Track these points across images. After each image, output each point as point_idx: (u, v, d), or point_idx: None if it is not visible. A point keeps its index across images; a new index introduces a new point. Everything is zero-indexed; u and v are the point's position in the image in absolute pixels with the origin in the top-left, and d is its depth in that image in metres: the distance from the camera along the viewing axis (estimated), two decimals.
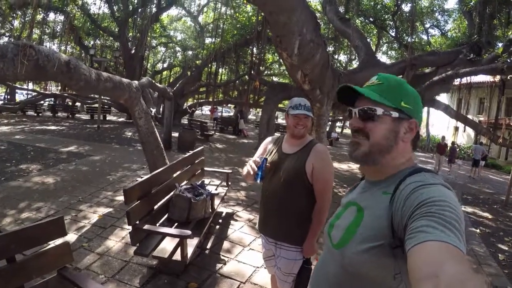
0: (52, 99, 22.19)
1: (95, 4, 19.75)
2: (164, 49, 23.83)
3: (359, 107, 0.95)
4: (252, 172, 1.93)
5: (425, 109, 16.13)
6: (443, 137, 14.12)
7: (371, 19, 13.72)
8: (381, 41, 16.33)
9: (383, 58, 19.30)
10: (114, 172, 7.18)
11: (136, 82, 7.12)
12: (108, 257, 3.44)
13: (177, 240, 2.99)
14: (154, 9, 16.08)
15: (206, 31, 19.90)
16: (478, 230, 6.09)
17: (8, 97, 23.58)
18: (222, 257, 3.66)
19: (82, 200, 5.16)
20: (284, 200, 2.00)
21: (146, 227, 3.01)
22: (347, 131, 27.84)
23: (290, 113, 2.05)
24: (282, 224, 2.02)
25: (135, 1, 16.70)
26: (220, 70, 19.66)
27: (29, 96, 21.45)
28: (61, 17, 17.76)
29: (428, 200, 0.73)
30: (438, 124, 27.37)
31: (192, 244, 3.13)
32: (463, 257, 0.61)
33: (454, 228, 0.66)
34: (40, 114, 19.52)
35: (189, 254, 2.97)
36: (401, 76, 9.14)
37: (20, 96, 24.67)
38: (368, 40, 16.90)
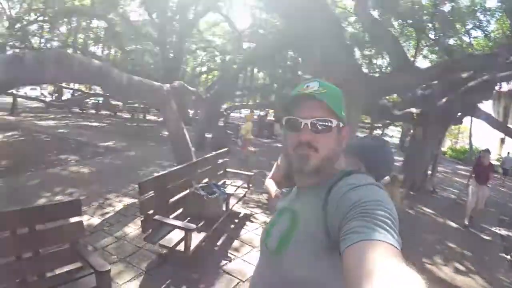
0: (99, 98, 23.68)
1: (135, 11, 20.99)
2: (204, 53, 24.62)
3: (314, 118, 0.90)
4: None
5: (467, 118, 15.00)
6: (486, 152, 7.52)
7: (409, 21, 13.11)
8: (420, 45, 15.52)
9: (424, 62, 18.28)
10: (145, 168, 7.65)
11: (168, 85, 7.57)
12: (124, 242, 3.79)
13: (184, 232, 3.23)
14: (191, 15, 16.82)
15: (244, 36, 20.38)
16: (509, 257, 5.73)
17: (56, 95, 25.58)
18: (229, 255, 3.82)
19: (111, 190, 5.61)
20: None
21: (156, 217, 3.29)
22: (387, 139, 26.66)
23: None
24: None
25: (174, 8, 17.54)
26: (258, 74, 20.11)
27: (76, 94, 23.07)
28: (103, 24, 19.03)
29: (360, 201, 0.74)
30: (482, 134, 25.41)
31: (197, 238, 3.36)
32: (397, 253, 0.61)
33: (387, 225, 0.67)
34: (84, 111, 20.98)
35: (192, 247, 3.19)
36: (435, 81, 8.77)
37: (67, 95, 26.52)
38: (408, 43, 16.28)
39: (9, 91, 15.88)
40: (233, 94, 20.54)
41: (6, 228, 2.12)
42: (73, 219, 2.56)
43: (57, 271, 2.29)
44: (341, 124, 0.92)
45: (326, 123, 0.89)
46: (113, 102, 22.44)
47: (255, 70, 21.03)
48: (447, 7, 12.51)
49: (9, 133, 10.40)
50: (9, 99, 16.80)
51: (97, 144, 9.93)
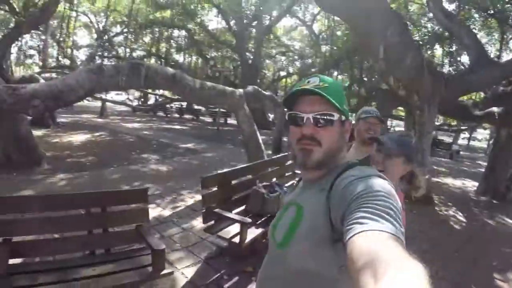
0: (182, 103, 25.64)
1: (212, 20, 22.37)
2: (283, 57, 24.98)
3: (315, 113, 0.92)
4: None
5: None
6: None
7: (489, 12, 11.44)
8: (505, 37, 13.39)
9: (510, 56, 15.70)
10: (220, 168, 8.01)
11: (241, 90, 7.94)
12: (189, 233, 4.05)
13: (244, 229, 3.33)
14: (267, 21, 17.25)
15: (322, 39, 20.18)
16: None
17: (142, 99, 28.48)
18: None
19: (184, 187, 6.05)
20: None
21: (216, 210, 3.45)
22: (475, 143, 23.66)
23: (362, 116, 2.20)
24: None
25: (250, 15, 18.20)
26: (338, 77, 19.66)
27: (160, 99, 25.37)
28: (184, 33, 20.58)
29: (363, 192, 0.75)
30: None
31: (254, 232, 3.43)
32: (399, 243, 0.62)
33: (389, 215, 0.67)
34: (168, 115, 22.91)
35: (247, 240, 3.26)
36: None
37: (152, 99, 29.21)
38: (492, 36, 14.29)
39: (98, 96, 18.34)
40: None
41: (82, 207, 2.48)
42: (140, 205, 2.85)
43: (121, 248, 2.59)
44: (343, 118, 0.94)
45: (328, 117, 0.91)
46: (196, 107, 23.95)
47: (335, 73, 20.58)
48: None
49: (97, 133, 11.88)
50: (99, 103, 19.29)
51: (177, 146, 10.76)
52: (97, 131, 12.29)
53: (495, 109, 8.32)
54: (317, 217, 0.86)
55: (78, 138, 10.56)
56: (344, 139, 0.97)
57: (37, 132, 9.85)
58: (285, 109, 1.00)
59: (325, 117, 0.91)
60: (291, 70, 25.65)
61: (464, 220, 6.08)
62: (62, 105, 3.93)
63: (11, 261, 2.10)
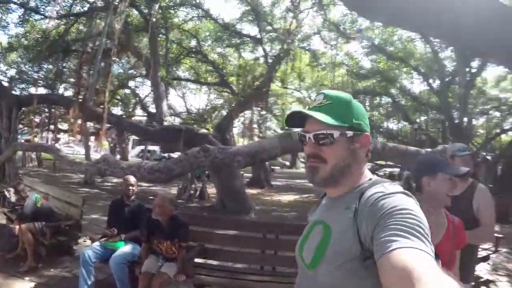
0: None
1: (412, 83, 21.59)
2: (498, 113, 21.05)
3: (314, 132, 0.93)
4: None
5: None
6: None
7: None
8: None
9: None
10: None
11: (429, 149, 7.79)
12: None
13: None
14: (469, 74, 15.40)
15: None
16: None
17: None
18: None
19: None
20: None
21: None
22: None
23: (459, 154, 2.14)
24: None
25: (450, 71, 16.91)
26: None
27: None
28: (389, 99, 20.72)
29: (390, 210, 0.75)
30: None
31: None
32: (432, 260, 0.63)
33: (419, 233, 0.68)
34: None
35: None
36: None
37: None
38: None
39: None
40: None
41: (261, 232, 3.35)
42: None
43: (287, 269, 3.22)
44: (350, 133, 0.93)
45: (326, 135, 0.91)
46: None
47: None
48: None
49: (305, 195, 13.01)
50: None
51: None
52: (306, 193, 13.37)
53: None
54: (346, 237, 0.85)
55: (287, 197, 12.05)
56: (356, 154, 0.94)
57: (252, 191, 12.03)
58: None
59: (324, 136, 0.92)
60: (507, 126, 20.94)
61: None
62: (258, 161, 5.31)
63: (197, 260, 3.13)
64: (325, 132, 0.91)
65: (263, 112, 22.79)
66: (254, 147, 5.15)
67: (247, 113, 18.80)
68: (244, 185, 8.65)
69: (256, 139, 20.94)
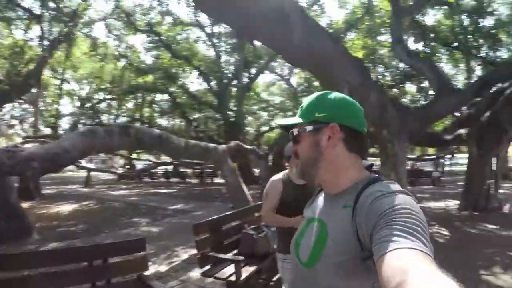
0: (168, 167, 25.58)
1: (192, 82, 23.32)
2: (265, 113, 25.84)
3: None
4: None
5: None
6: None
7: (454, 45, 12.78)
8: (471, 65, 14.77)
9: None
10: None
11: (224, 146, 8.48)
12: (188, 283, 4.18)
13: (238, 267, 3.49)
14: (246, 79, 18.30)
15: (300, 91, 21.29)
16: None
17: (129, 167, 28.32)
18: None
19: (177, 244, 6.11)
20: None
21: (210, 254, 3.63)
22: (457, 168, 24.58)
23: None
24: None
25: (229, 75, 19.32)
26: None
27: (146, 164, 25.38)
28: (166, 97, 21.32)
29: (389, 209, 0.75)
30: None
31: (248, 270, 3.58)
32: (431, 260, 0.63)
33: (418, 233, 0.68)
34: (154, 180, 22.95)
35: (242, 277, 3.40)
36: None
37: (139, 166, 28.99)
38: (459, 67, 15.70)
39: (83, 166, 18.23)
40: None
41: (84, 260, 2.63)
42: (139, 254, 3.00)
43: None
44: (309, 127, 0.96)
45: (292, 135, 1.01)
46: (182, 169, 24.16)
47: None
48: (488, 21, 12.20)
49: (84, 202, 11.95)
50: (83, 173, 19.05)
51: (166, 208, 10.75)
52: (84, 201, 12.45)
53: (462, 131, 9.13)
54: (344, 235, 0.84)
55: (65, 208, 10.60)
56: (322, 147, 0.94)
57: (23, 205, 9.80)
58: None
59: (291, 136, 1.02)
60: (273, 124, 26.46)
61: (448, 233, 6.54)
62: (58, 167, 4.18)
63: None
64: (291, 133, 1.01)
65: (26, 106, 19.17)
66: (52, 149, 3.97)
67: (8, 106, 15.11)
68: (18, 199, 6.70)
69: (17, 139, 17.15)
